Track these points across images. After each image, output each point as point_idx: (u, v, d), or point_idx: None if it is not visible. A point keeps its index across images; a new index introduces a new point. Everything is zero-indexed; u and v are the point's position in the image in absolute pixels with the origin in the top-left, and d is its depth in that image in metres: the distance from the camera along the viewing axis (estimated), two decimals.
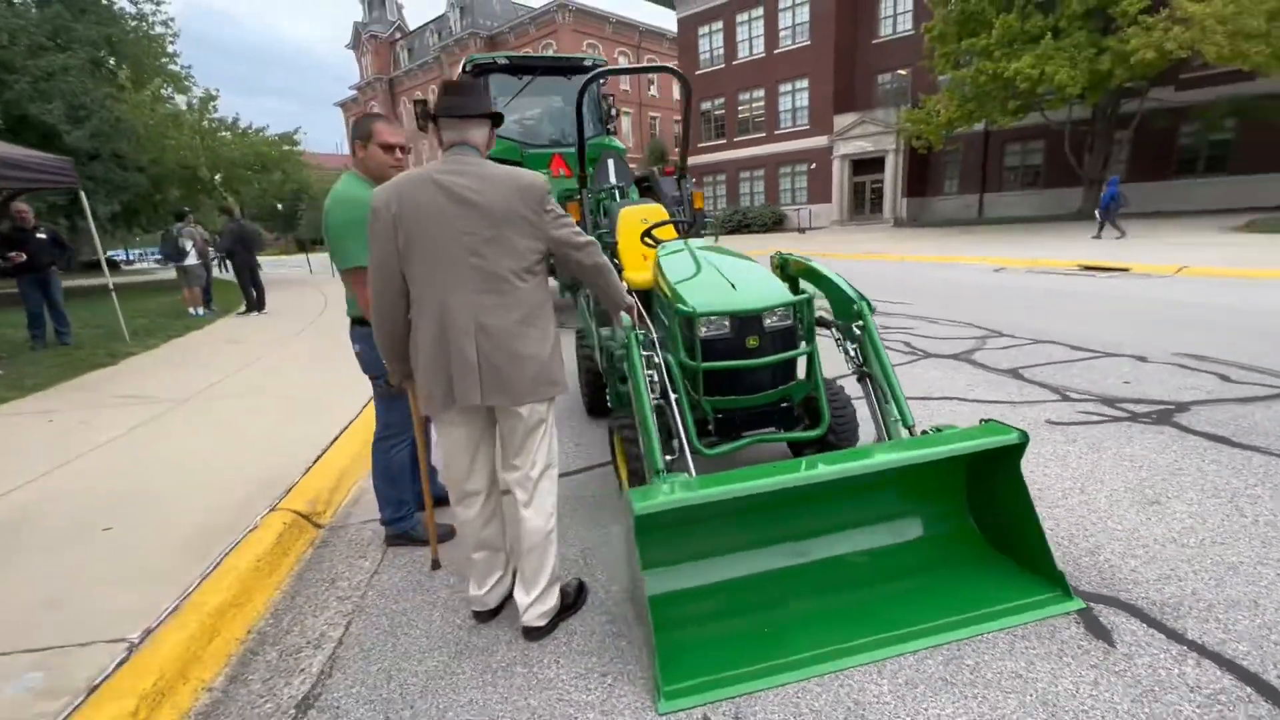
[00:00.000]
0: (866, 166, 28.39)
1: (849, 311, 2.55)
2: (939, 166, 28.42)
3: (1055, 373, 4.23)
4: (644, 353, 2.34)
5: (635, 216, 4.23)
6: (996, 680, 1.62)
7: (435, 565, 2.43)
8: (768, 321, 2.44)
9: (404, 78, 54.64)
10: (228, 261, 10.12)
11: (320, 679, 1.86)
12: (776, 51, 30.23)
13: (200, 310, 9.76)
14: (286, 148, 17.90)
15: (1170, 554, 2.12)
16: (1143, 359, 4.36)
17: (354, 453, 3.59)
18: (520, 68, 7.60)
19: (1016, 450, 1.96)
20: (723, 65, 32.31)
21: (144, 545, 2.55)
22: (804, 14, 28.97)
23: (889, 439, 2.36)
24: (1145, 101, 19.30)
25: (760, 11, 30.39)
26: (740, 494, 1.78)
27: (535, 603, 1.93)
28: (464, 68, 7.65)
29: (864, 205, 29.39)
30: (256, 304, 9.94)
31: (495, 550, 2.03)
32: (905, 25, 28.21)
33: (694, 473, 2.14)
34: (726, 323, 2.42)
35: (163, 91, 16.45)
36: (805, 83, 29.67)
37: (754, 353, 2.43)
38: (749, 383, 2.50)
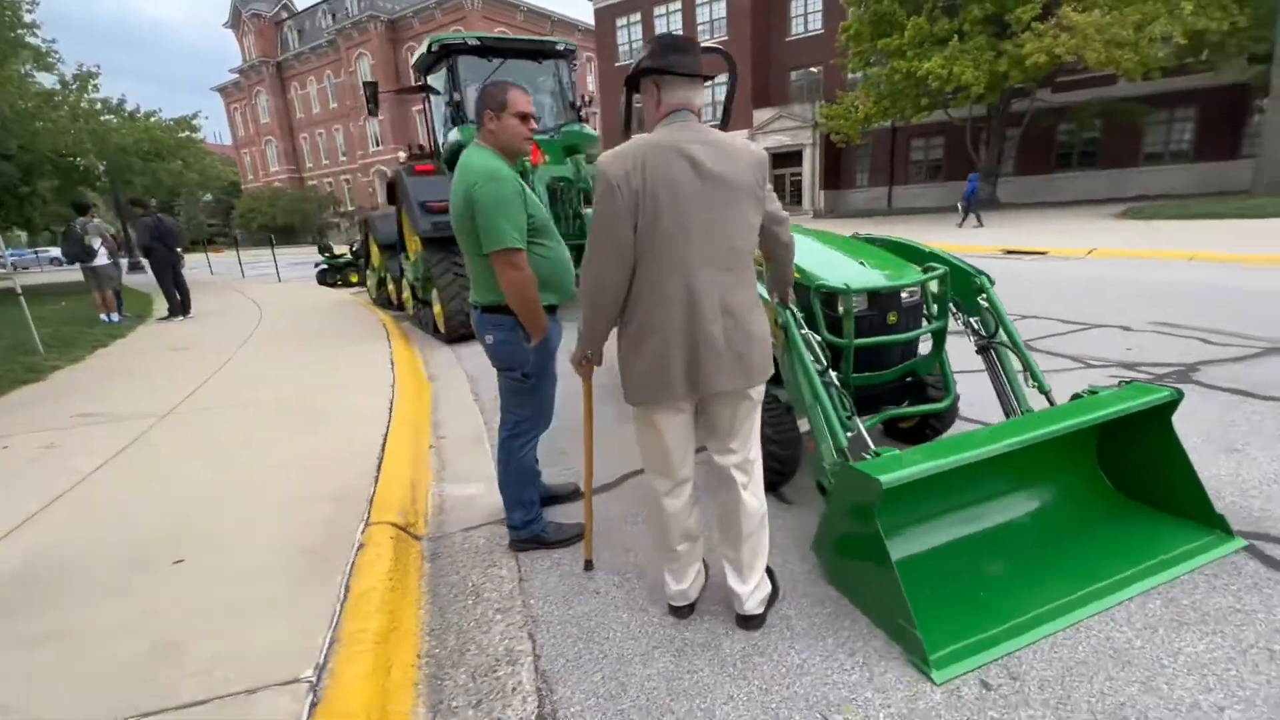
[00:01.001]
0: (785, 160, 29.52)
1: (969, 286, 2.64)
2: (852, 160, 30.07)
3: (1062, 344, 4.61)
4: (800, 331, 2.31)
5: None
6: (1221, 615, 1.75)
7: (589, 565, 2.29)
8: (904, 297, 2.49)
9: (294, 61, 50.67)
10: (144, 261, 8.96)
11: (543, 697, 1.70)
12: None
13: (114, 316, 8.59)
14: (185, 134, 16.02)
15: None
16: (1128, 329, 4.85)
17: (409, 458, 3.31)
18: (491, 49, 7.23)
19: (1169, 408, 2.11)
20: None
21: (235, 575, 2.22)
22: (721, 9, 29.64)
23: (1021, 408, 2.47)
24: (1034, 101, 21.33)
25: (678, 5, 30.76)
26: (968, 461, 1.80)
27: (756, 589, 1.86)
28: (428, 48, 7.19)
29: (784, 197, 30.55)
30: (181, 307, 8.89)
31: (696, 540, 1.94)
32: (815, 25, 29.58)
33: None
34: (866, 300, 2.44)
35: (23, 69, 14.28)
36: (723, 77, 30.24)
37: (894, 328, 2.47)
38: (884, 359, 2.53)
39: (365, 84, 8.10)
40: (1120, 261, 8.93)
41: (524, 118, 2.16)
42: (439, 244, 6.42)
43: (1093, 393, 2.22)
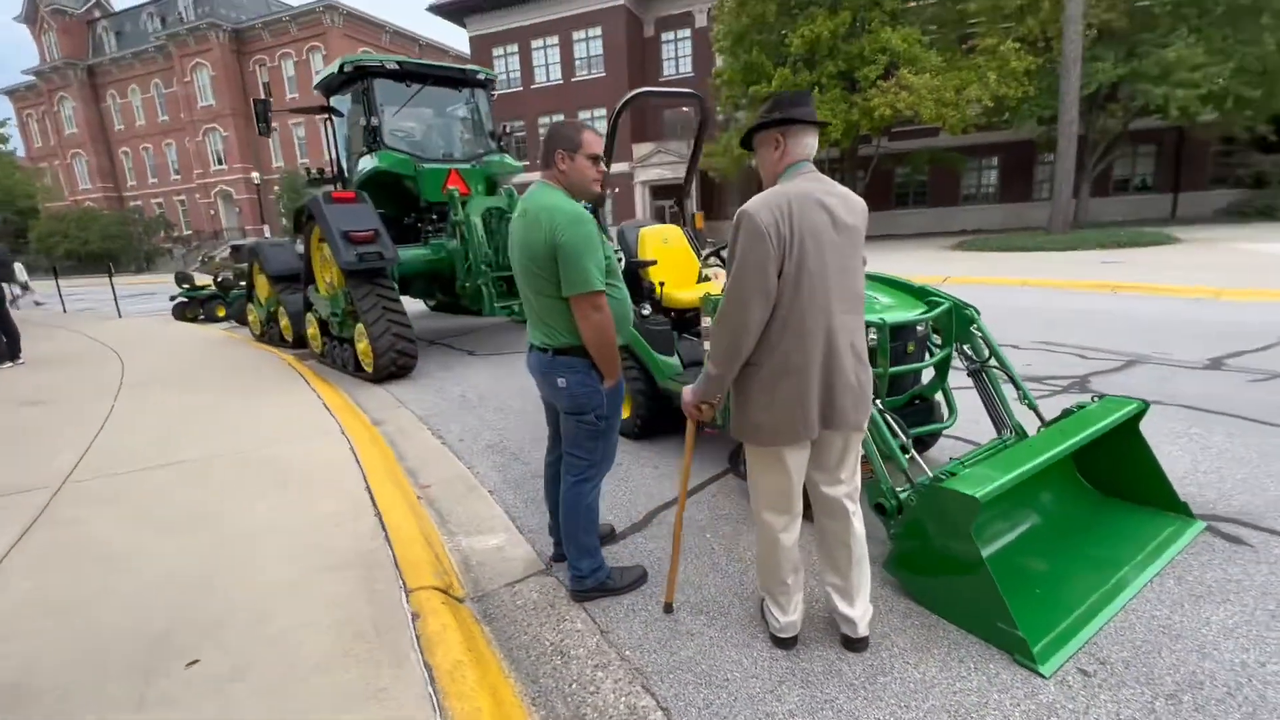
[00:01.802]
0: (665, 192, 30.84)
1: (961, 317, 2.99)
2: (725, 194, 32.10)
3: None
4: None
5: (657, 236, 4.27)
6: (1221, 586, 2.14)
7: (669, 608, 2.26)
8: (918, 329, 2.77)
9: (111, 66, 44.47)
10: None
11: None
12: (574, 80, 31.36)
13: None
14: None
15: (1228, 476, 2.92)
16: (1017, 347, 5.69)
17: (407, 512, 3.04)
18: (410, 74, 6.94)
19: (1140, 416, 2.55)
20: (520, 88, 32.41)
21: (289, 670, 1.91)
22: (597, 47, 30.59)
23: (1010, 425, 2.84)
24: (879, 148, 24.29)
25: (555, 40, 31.29)
26: (1030, 473, 2.06)
27: (865, 612, 1.96)
28: (339, 68, 6.74)
29: None
30: (8, 352, 7.36)
31: (799, 571, 2.00)
32: (686, 68, 31.50)
33: None
34: (891, 332, 2.68)
35: None
36: (603, 111, 31.24)
37: (911, 357, 2.74)
38: (902, 385, 2.79)
39: (256, 101, 7.44)
40: (973, 287, 10.38)
41: (595, 160, 2.16)
42: (364, 276, 5.98)
43: (1080, 408, 2.62)
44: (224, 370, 6.74)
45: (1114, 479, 2.71)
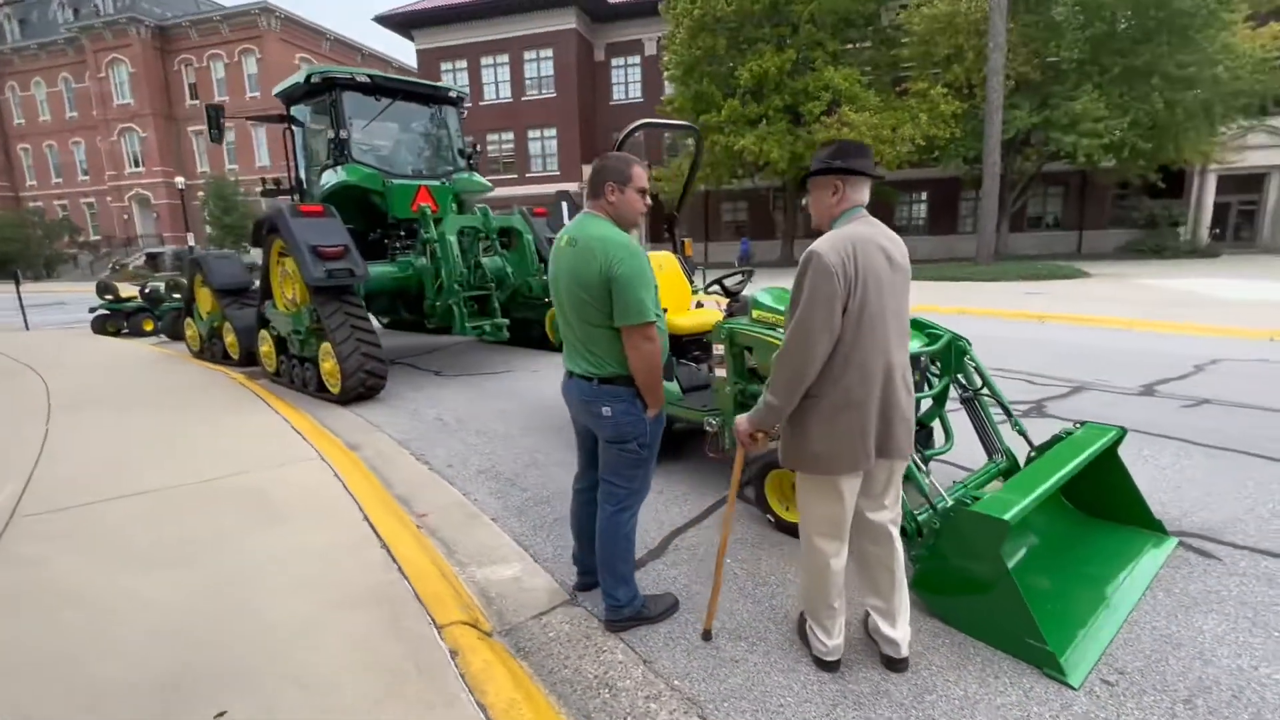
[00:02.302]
0: None
1: (955, 348, 3.18)
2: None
3: None
4: None
5: (654, 263, 4.33)
6: (1205, 597, 2.36)
7: (707, 635, 2.27)
8: (921, 361, 2.94)
9: (13, 56, 41.04)
10: None
11: None
12: (524, 99, 31.37)
13: None
14: None
15: (1185, 494, 3.21)
16: None
17: (413, 542, 2.93)
18: (381, 88, 6.79)
19: (1119, 441, 2.80)
20: (469, 104, 32.06)
21: (328, 716, 1.80)
22: (548, 68, 30.77)
23: (1000, 450, 3.04)
24: None
25: (506, 59, 31.27)
26: (1045, 495, 2.22)
27: (906, 633, 2.05)
28: (306, 79, 6.51)
29: None
30: None
31: (843, 594, 2.07)
32: (635, 93, 32.15)
33: None
34: None
35: None
36: (554, 131, 31.37)
37: (917, 386, 2.90)
38: None
39: (209, 107, 7.10)
40: (919, 315, 11.00)
41: (642, 193, 2.21)
42: (332, 293, 5.75)
43: (1069, 434, 2.84)
44: (168, 389, 6.27)
45: (1095, 499, 2.94)
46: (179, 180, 28.24)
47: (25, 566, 2.67)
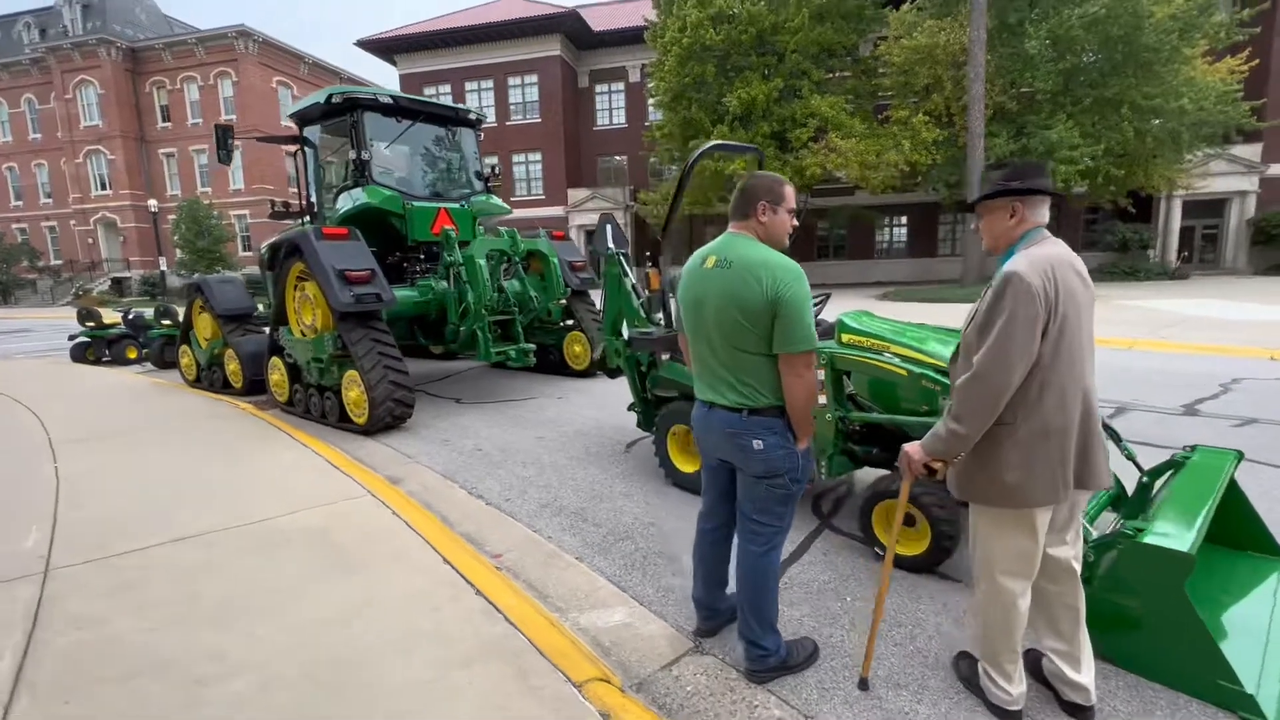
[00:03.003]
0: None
1: None
2: (658, 241, 32.95)
3: None
4: None
5: None
6: None
7: (864, 685, 2.11)
8: None
9: None
10: None
11: None
12: (509, 123, 31.45)
13: None
14: None
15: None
16: None
17: (504, 586, 2.72)
18: (403, 110, 6.64)
19: (1236, 463, 2.74)
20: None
21: None
22: (533, 94, 30.98)
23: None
24: (806, 203, 25.95)
25: (490, 84, 31.40)
26: (1207, 521, 2.14)
27: (1092, 678, 1.91)
28: (326, 99, 6.34)
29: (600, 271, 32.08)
30: None
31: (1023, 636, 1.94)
32: (619, 119, 32.52)
33: None
34: None
35: None
36: (539, 155, 31.47)
37: None
38: None
39: (218, 127, 6.89)
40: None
41: (792, 213, 2.11)
42: (358, 319, 5.51)
43: (1185, 459, 2.78)
44: (177, 421, 5.90)
45: (1215, 525, 2.87)
46: (152, 203, 27.50)
47: (84, 628, 2.37)
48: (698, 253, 2.21)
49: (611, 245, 5.03)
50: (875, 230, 29.35)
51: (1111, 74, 19.91)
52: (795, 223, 2.14)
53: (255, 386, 7.20)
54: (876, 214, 27.59)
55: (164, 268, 28.50)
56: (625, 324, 4.58)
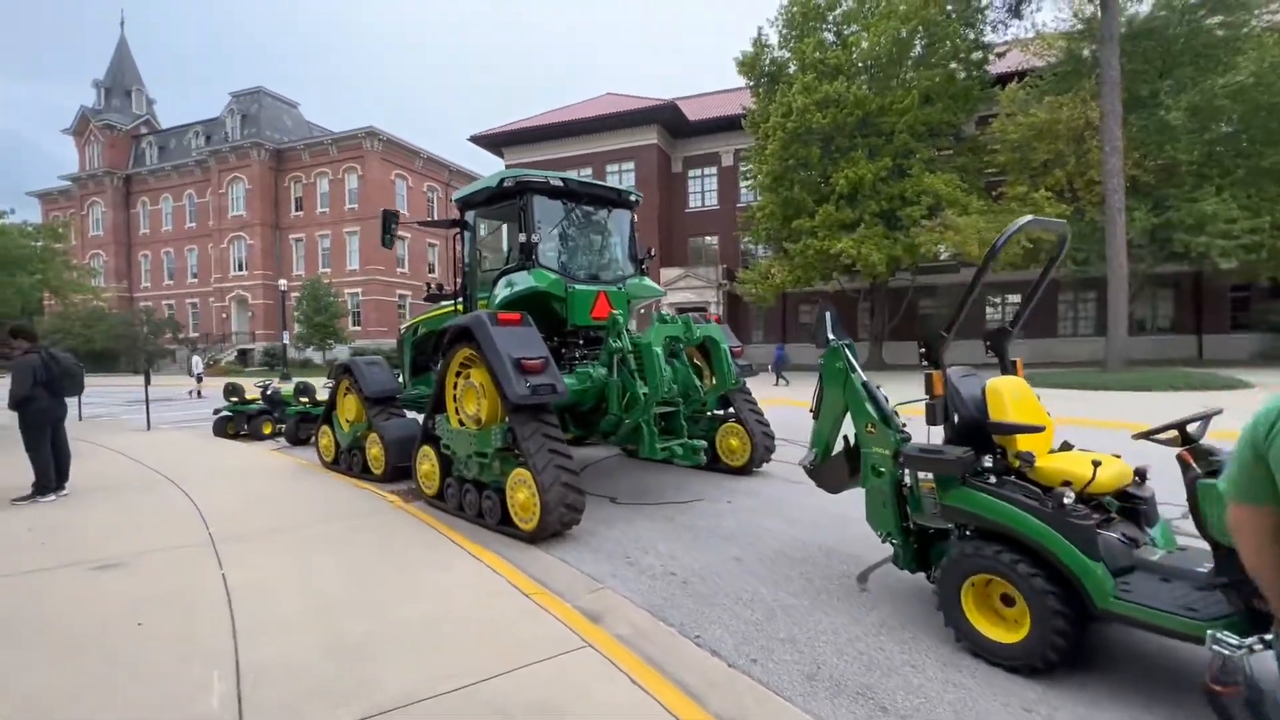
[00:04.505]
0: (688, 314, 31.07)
1: None
2: (748, 319, 32.45)
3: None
4: None
5: (1009, 391, 3.44)
6: None
7: None
8: None
9: (148, 176, 46.23)
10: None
11: None
12: None
13: None
14: (43, 242, 12.48)
15: None
16: None
17: None
18: (568, 192, 6.45)
19: None
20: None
21: None
22: (630, 179, 32.20)
23: None
24: (915, 280, 24.87)
25: (590, 172, 32.94)
26: None
27: None
28: (499, 183, 6.23)
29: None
30: (55, 479, 6.10)
31: None
32: (711, 201, 33.15)
33: None
34: None
35: None
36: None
37: None
38: None
39: (385, 212, 6.94)
40: (1088, 431, 9.60)
41: None
42: (531, 412, 5.02)
43: None
44: (335, 518, 5.51)
45: None
46: (281, 282, 29.93)
47: None
48: None
49: (831, 336, 4.35)
50: (986, 309, 27.61)
51: (1266, 143, 18.24)
52: None
53: (398, 474, 6.86)
54: (986, 293, 25.98)
55: (286, 340, 30.59)
56: (856, 431, 3.83)
